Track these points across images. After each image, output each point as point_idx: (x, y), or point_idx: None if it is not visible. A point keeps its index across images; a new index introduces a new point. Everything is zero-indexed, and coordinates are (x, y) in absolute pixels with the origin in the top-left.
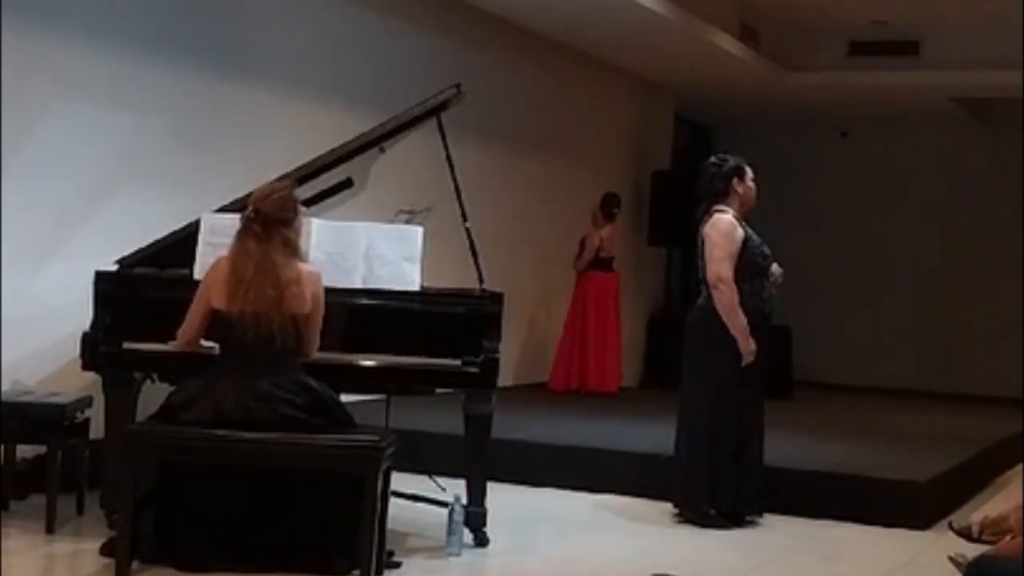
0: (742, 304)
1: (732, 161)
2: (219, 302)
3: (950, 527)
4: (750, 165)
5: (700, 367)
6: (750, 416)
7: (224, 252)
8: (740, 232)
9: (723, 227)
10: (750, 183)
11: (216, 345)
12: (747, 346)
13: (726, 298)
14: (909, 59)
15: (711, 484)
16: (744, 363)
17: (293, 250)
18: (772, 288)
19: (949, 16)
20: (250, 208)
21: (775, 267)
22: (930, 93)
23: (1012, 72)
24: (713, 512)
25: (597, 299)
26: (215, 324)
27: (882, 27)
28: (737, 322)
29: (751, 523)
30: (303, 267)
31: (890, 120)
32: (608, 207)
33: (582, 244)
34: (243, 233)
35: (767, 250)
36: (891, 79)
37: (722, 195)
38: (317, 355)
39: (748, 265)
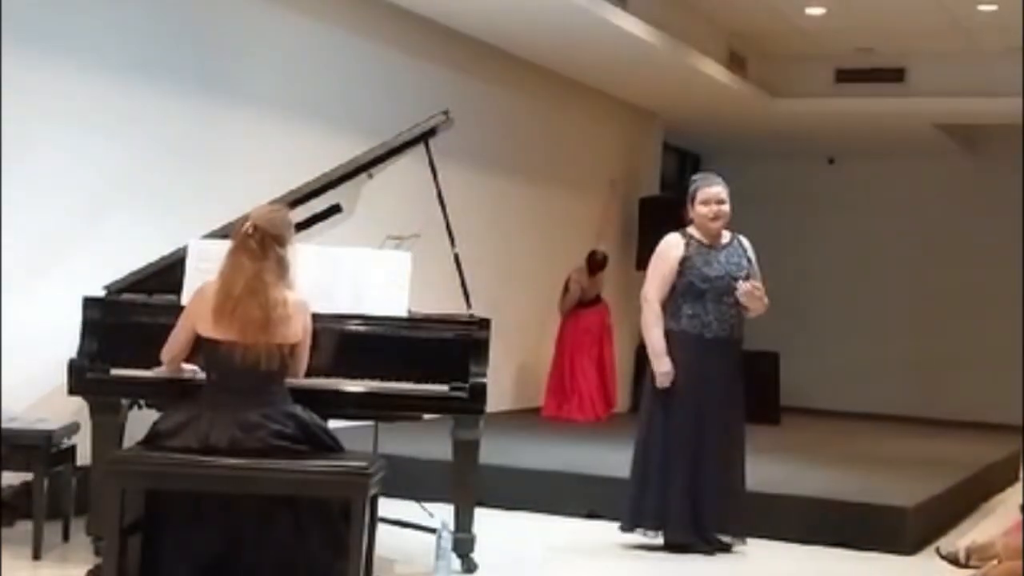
0: (681, 326)
1: (691, 186)
2: (204, 328)
3: (937, 553)
4: (722, 183)
5: (644, 390)
6: (713, 438)
7: (211, 277)
8: (677, 253)
9: (659, 248)
10: (700, 206)
11: (198, 369)
12: (657, 366)
13: (644, 317)
14: (895, 86)
15: (654, 506)
16: (658, 384)
17: (285, 272)
18: (728, 311)
19: (934, 44)
20: (248, 224)
21: (740, 286)
22: (915, 120)
23: (997, 99)
24: (693, 538)
25: (578, 335)
26: (201, 351)
27: (868, 54)
28: (650, 341)
29: (736, 549)
30: (292, 295)
31: (877, 146)
32: (593, 266)
33: (566, 285)
34: (237, 249)
35: (713, 272)
36: (877, 106)
37: (689, 219)
38: (305, 381)
39: (687, 287)
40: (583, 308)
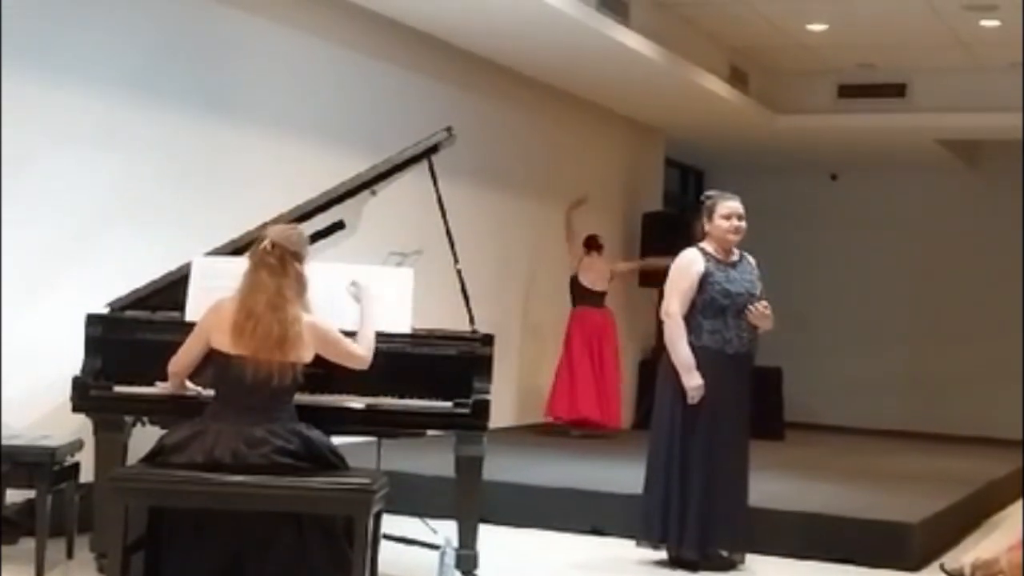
0: (702, 341)
1: (706, 200)
2: (219, 342)
3: (942, 569)
4: (739, 199)
5: (659, 404)
6: (726, 454)
7: (217, 294)
8: (698, 268)
9: (679, 262)
10: (720, 220)
11: (201, 390)
12: (688, 381)
13: (670, 332)
14: (897, 101)
15: (669, 521)
16: (689, 400)
17: (303, 289)
18: (745, 326)
19: (936, 59)
20: (267, 242)
21: (752, 308)
22: (917, 135)
23: (999, 115)
24: (689, 553)
25: (587, 334)
26: (212, 364)
27: (870, 70)
28: (679, 356)
29: (741, 566)
30: (308, 318)
31: (879, 162)
32: (589, 246)
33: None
34: (257, 266)
35: (735, 288)
36: (879, 122)
37: (703, 233)
38: (307, 398)
39: (709, 302)
40: (589, 307)
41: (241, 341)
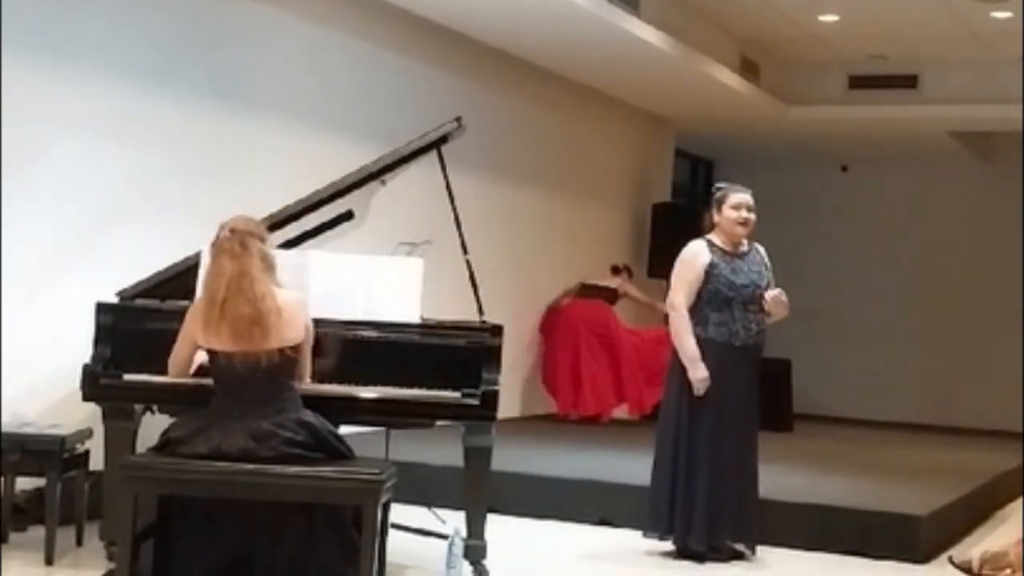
0: (709, 333)
1: (716, 192)
2: (201, 338)
3: (950, 561)
4: (749, 191)
5: (666, 396)
6: (733, 446)
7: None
8: (703, 260)
9: (684, 254)
10: (730, 211)
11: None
12: (693, 373)
13: (675, 324)
14: (908, 93)
15: (676, 513)
16: (695, 392)
17: (270, 267)
18: (752, 318)
19: (948, 50)
20: (225, 230)
21: (768, 293)
22: (929, 127)
23: (1010, 106)
24: (697, 547)
25: (578, 327)
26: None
27: (881, 61)
28: (685, 349)
29: (749, 558)
30: (288, 293)
31: (890, 154)
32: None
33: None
34: (217, 254)
35: (740, 280)
36: (890, 113)
37: (711, 225)
38: (317, 387)
39: (714, 294)
40: (582, 299)
41: (215, 331)
